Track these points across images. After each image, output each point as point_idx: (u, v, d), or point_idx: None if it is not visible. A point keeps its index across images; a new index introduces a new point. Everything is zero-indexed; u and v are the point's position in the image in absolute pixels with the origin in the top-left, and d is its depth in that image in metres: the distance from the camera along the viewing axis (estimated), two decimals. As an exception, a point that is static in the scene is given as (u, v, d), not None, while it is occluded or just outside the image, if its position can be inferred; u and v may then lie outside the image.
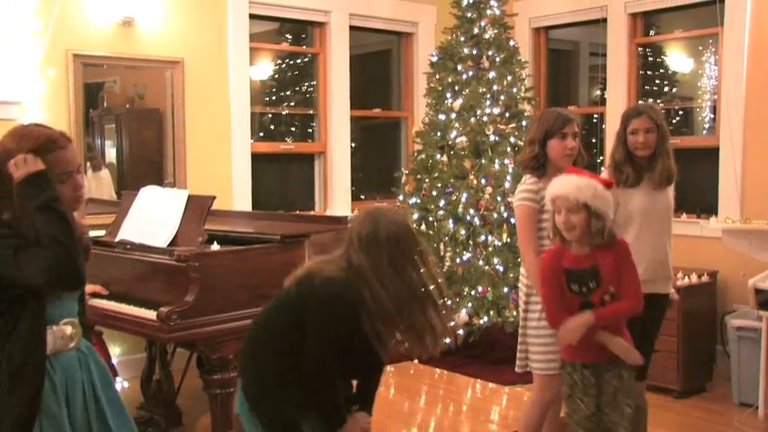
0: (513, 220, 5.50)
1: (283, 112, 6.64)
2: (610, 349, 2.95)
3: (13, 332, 2.15)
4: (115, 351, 5.05)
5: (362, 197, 6.87)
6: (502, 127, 5.72)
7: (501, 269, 5.40)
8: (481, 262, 5.44)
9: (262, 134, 6.33)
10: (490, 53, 5.84)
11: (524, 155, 3.44)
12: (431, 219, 5.73)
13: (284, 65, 6.68)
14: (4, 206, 2.20)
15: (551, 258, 3.00)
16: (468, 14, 5.89)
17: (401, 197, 6.00)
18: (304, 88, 6.69)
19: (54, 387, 2.22)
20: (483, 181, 5.53)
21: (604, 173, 3.62)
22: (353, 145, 6.66)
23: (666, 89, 6.36)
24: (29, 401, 2.14)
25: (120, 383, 5.04)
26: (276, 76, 6.64)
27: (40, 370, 2.17)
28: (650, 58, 6.35)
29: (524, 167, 3.43)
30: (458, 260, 5.50)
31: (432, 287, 2.64)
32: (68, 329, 2.29)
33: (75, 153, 2.30)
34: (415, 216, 5.79)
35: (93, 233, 4.73)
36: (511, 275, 5.37)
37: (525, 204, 3.33)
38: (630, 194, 3.54)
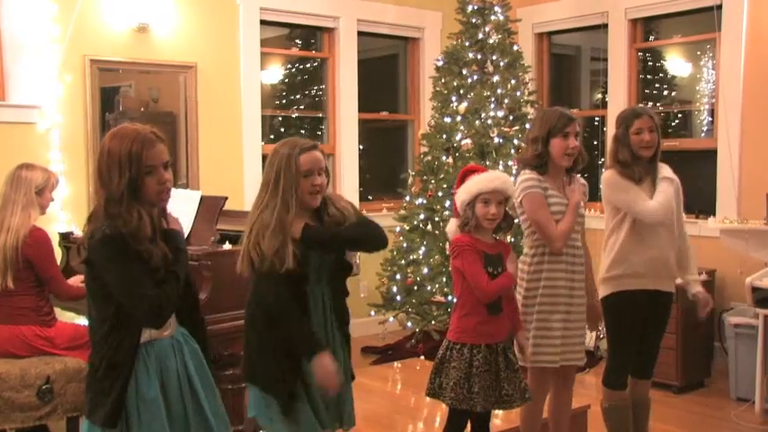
0: (516, 220, 5.61)
1: (293, 115, 6.72)
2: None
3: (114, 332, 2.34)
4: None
5: (370, 198, 6.95)
6: (506, 129, 5.79)
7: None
8: (485, 261, 5.52)
9: (272, 136, 6.39)
10: (494, 58, 5.91)
11: (526, 153, 3.43)
12: (437, 219, 5.81)
13: (294, 69, 6.75)
14: (126, 215, 2.32)
15: (472, 242, 3.08)
16: (473, 20, 5.97)
17: (408, 198, 6.07)
18: (313, 92, 6.77)
19: (148, 372, 2.35)
20: (487, 182, 5.61)
21: (609, 174, 3.59)
22: (361, 147, 6.73)
23: (666, 93, 6.41)
24: (120, 387, 2.30)
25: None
26: (286, 80, 6.71)
27: (130, 357, 2.32)
28: (650, 63, 6.42)
29: (525, 165, 3.41)
30: (463, 259, 5.59)
31: None
32: None
33: (161, 150, 2.38)
34: (422, 216, 5.87)
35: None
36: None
37: (533, 191, 3.31)
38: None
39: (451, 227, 3.25)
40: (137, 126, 2.40)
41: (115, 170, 2.31)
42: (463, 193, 3.11)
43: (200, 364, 2.52)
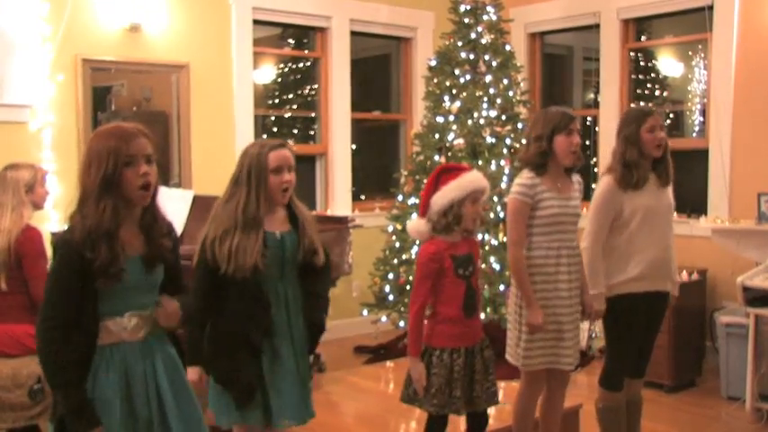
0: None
1: (286, 115, 6.73)
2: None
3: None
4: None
5: (363, 197, 6.95)
6: (498, 129, 5.80)
7: (497, 267, 5.50)
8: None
9: (265, 136, 6.40)
10: (487, 58, 5.91)
11: (529, 151, 3.39)
12: (429, 219, 5.83)
13: (287, 69, 6.76)
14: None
15: (443, 249, 3.05)
16: (466, 20, 5.96)
17: (400, 197, 6.07)
18: (306, 91, 6.77)
19: (108, 373, 2.31)
20: (480, 182, 5.63)
21: (606, 175, 3.57)
22: (354, 147, 6.74)
23: (657, 92, 6.43)
24: (73, 387, 2.26)
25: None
26: (279, 79, 6.72)
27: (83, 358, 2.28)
28: (642, 63, 6.44)
29: (527, 164, 3.40)
30: (455, 259, 5.60)
31: None
32: (133, 321, 2.36)
33: (142, 143, 2.32)
34: (414, 216, 5.88)
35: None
36: (507, 273, 5.48)
37: (518, 198, 3.33)
38: (635, 194, 3.50)
39: (418, 227, 3.17)
40: (120, 123, 2.38)
41: (94, 166, 2.27)
42: (455, 191, 3.05)
43: (173, 368, 2.47)
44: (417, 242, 5.15)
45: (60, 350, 2.22)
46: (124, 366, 2.34)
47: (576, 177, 3.51)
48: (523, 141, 5.71)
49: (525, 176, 3.37)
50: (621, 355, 3.61)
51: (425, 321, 3.11)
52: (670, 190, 3.66)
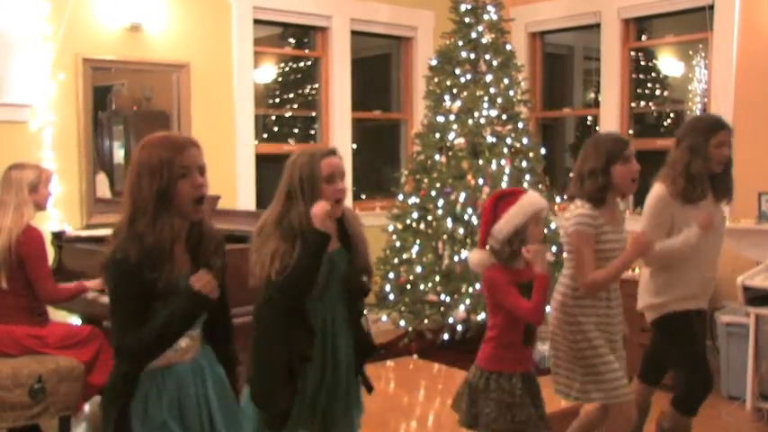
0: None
1: (286, 115, 6.74)
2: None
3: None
4: (123, 346, 5.15)
5: (363, 197, 6.96)
6: (499, 129, 5.80)
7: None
8: (478, 260, 5.53)
9: (265, 135, 6.43)
10: (487, 57, 5.91)
11: (585, 188, 3.14)
12: (430, 218, 5.82)
13: (287, 68, 6.77)
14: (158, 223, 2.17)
15: (510, 277, 2.92)
16: (466, 20, 5.97)
17: (401, 197, 6.07)
18: (306, 91, 6.77)
19: (160, 397, 2.20)
20: (480, 181, 5.62)
21: (661, 184, 3.38)
22: (354, 146, 6.74)
23: (658, 92, 6.44)
24: (118, 412, 2.17)
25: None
26: (279, 79, 6.73)
27: (128, 384, 2.19)
28: (642, 62, 6.44)
29: (584, 199, 3.14)
30: (456, 258, 5.60)
31: None
32: (184, 342, 2.25)
33: (195, 153, 2.22)
34: (415, 215, 5.89)
35: (100, 232, 4.87)
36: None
37: (583, 229, 3.08)
38: (691, 207, 3.34)
39: (481, 259, 3.01)
40: (168, 133, 2.27)
41: (145, 179, 2.13)
42: (518, 216, 2.88)
43: (222, 390, 2.35)
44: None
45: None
46: (177, 389, 2.24)
47: (621, 205, 3.36)
48: (523, 142, 5.83)
49: (586, 208, 3.13)
50: (697, 368, 3.47)
51: (484, 346, 3.02)
52: (723, 205, 3.53)
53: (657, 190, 3.39)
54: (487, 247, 2.97)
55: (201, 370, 2.30)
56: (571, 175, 3.36)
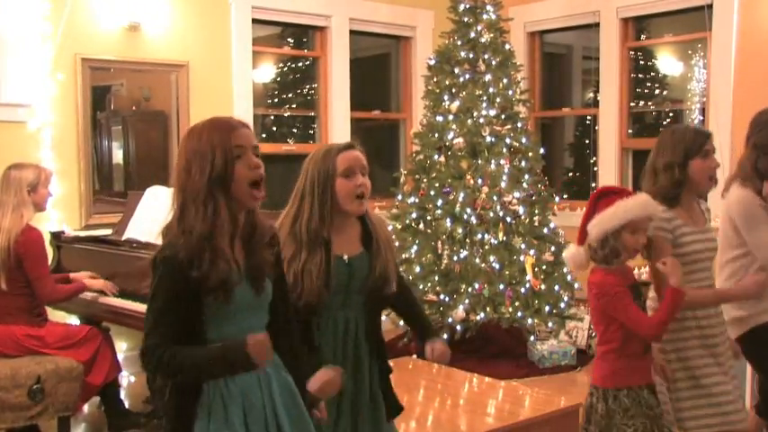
0: (508, 219, 5.63)
1: (285, 114, 6.73)
2: None
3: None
4: (121, 346, 5.15)
5: (362, 197, 6.95)
6: (498, 128, 5.79)
7: (497, 266, 5.49)
8: (478, 260, 5.52)
9: (264, 135, 6.42)
10: (486, 57, 5.91)
11: (659, 182, 2.89)
12: (429, 218, 5.81)
13: (286, 68, 6.76)
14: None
15: (621, 282, 2.72)
16: (465, 19, 5.95)
17: (400, 197, 6.06)
18: (305, 91, 6.77)
19: (225, 408, 2.03)
20: (479, 181, 5.62)
21: (740, 186, 3.10)
22: (353, 146, 6.74)
23: (657, 92, 6.44)
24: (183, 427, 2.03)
25: (127, 378, 5.17)
26: (278, 78, 6.72)
27: (192, 399, 2.04)
28: (641, 62, 6.45)
29: (657, 196, 2.84)
30: (455, 258, 5.59)
31: None
32: None
33: (248, 133, 2.05)
34: (414, 215, 5.88)
35: (100, 232, 4.89)
36: (506, 273, 5.49)
37: (659, 235, 2.82)
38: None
39: (576, 256, 2.81)
40: (212, 117, 2.07)
41: (196, 166, 1.95)
42: (609, 221, 2.67)
43: (290, 398, 2.15)
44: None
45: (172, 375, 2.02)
46: (242, 398, 2.05)
47: (705, 205, 3.09)
48: (522, 142, 5.82)
49: (659, 209, 2.84)
50: None
51: (601, 363, 2.81)
52: None
53: (741, 194, 3.08)
54: (585, 245, 2.77)
55: (267, 378, 2.11)
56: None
